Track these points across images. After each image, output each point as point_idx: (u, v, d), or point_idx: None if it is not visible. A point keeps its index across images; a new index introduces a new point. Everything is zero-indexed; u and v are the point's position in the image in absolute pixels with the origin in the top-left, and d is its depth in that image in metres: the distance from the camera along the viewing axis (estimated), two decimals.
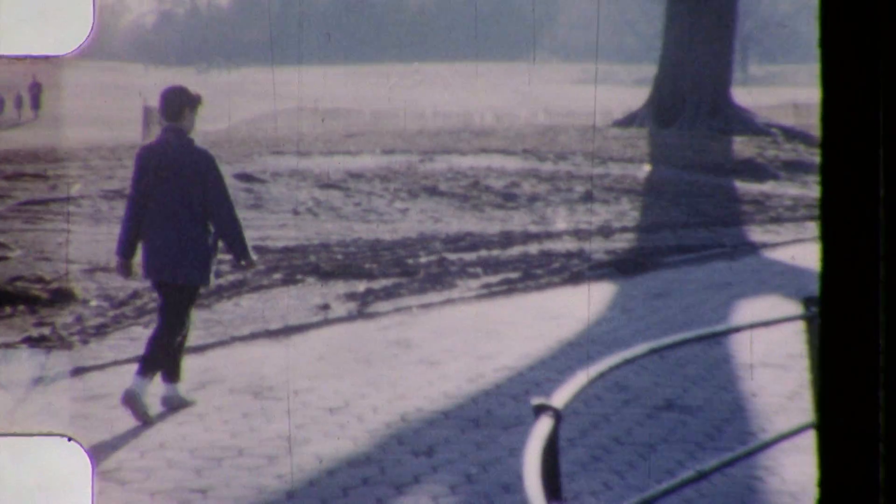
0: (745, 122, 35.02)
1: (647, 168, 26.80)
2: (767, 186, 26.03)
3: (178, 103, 9.45)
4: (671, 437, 8.80)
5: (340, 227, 18.60)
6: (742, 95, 39.14)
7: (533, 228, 19.33)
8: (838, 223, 3.19)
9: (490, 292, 14.25)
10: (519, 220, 20.21)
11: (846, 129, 3.18)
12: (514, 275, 15.21)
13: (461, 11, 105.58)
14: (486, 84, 78.11)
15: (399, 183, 22.57)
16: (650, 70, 38.93)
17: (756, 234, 19.81)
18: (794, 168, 28.78)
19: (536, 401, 4.79)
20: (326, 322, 12.60)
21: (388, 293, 13.98)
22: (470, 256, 16.41)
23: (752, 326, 9.10)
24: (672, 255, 17.12)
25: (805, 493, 7.59)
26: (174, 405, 9.50)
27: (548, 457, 4.47)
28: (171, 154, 9.39)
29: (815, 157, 30.67)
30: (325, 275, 14.88)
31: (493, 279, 14.93)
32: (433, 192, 22.15)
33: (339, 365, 10.90)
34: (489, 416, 9.37)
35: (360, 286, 14.34)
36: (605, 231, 19.23)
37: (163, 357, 9.38)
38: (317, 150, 27.24)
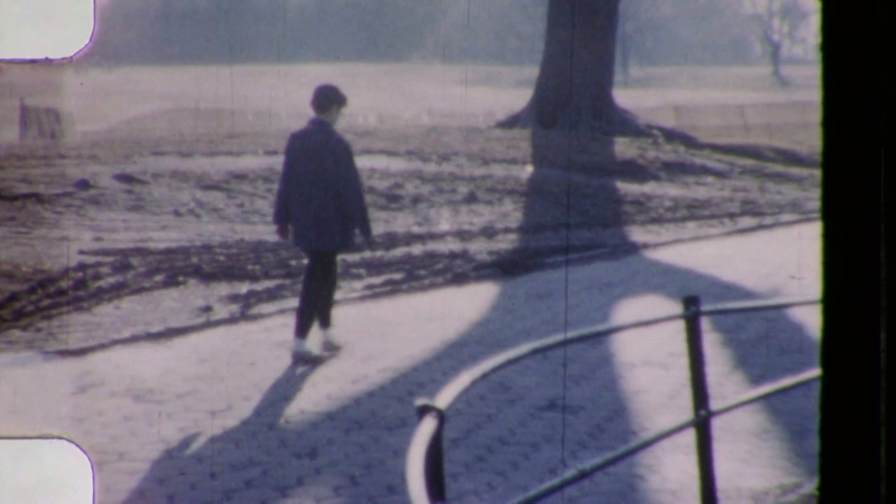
0: (626, 124, 35.34)
1: (529, 169, 26.94)
2: (648, 187, 26.30)
3: (329, 100, 11.31)
4: (554, 437, 8.86)
5: (223, 229, 18.46)
6: (623, 97, 39.50)
7: (416, 229, 19.34)
8: (839, 224, 3.19)
9: (374, 293, 14.24)
10: (402, 221, 20.20)
11: (846, 130, 3.19)
12: (397, 276, 15.21)
13: (342, 12, 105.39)
14: (368, 85, 78.03)
15: None
16: (532, 71, 39.14)
17: (637, 234, 20.01)
18: (675, 169, 29.11)
19: (420, 401, 4.79)
20: (209, 324, 12.50)
21: (272, 295, 13.90)
22: (353, 257, 16.38)
23: (633, 326, 9.18)
24: (555, 256, 17.22)
25: (685, 490, 7.67)
26: (330, 348, 11.25)
27: (431, 457, 4.48)
28: (314, 141, 11.11)
29: (695, 158, 31.04)
30: (207, 276, 14.76)
31: (376, 280, 14.92)
32: None
33: (221, 367, 10.82)
34: (373, 417, 9.35)
35: (243, 288, 14.25)
36: (489, 232, 19.29)
37: (312, 314, 11.10)
38: (198, 150, 27.00)
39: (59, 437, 5.16)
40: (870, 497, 3.27)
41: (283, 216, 11.28)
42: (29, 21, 4.37)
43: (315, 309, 11.19)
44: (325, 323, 11.35)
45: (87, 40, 4.42)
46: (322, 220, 11.02)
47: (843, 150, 3.17)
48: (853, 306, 3.20)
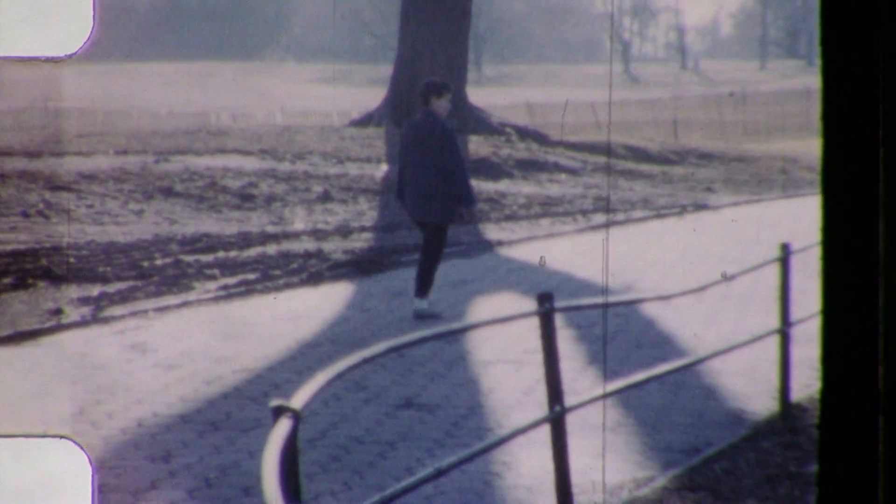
0: (479, 122, 35.50)
1: (384, 167, 26.94)
2: (502, 185, 26.45)
3: (429, 92, 12.94)
4: (410, 435, 8.86)
5: (73, 230, 18.17)
6: (476, 95, 39.69)
7: (271, 229, 19.23)
8: (839, 223, 3.17)
9: (228, 294, 14.12)
10: (257, 221, 20.07)
11: (846, 129, 3.16)
12: (252, 276, 15.11)
13: (194, 10, 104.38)
14: (221, 84, 77.42)
15: (133, 184, 22.17)
16: (387, 70, 39.15)
17: (492, 232, 20.12)
18: (528, 166, 29.34)
19: (275, 402, 4.76)
20: (60, 327, 12.29)
21: (124, 297, 13.72)
22: (207, 258, 16.23)
23: (488, 323, 9.22)
24: (410, 254, 17.24)
25: (541, 485, 7.73)
26: (424, 316, 12.85)
27: (287, 458, 4.45)
28: (422, 128, 12.88)
29: (548, 155, 31.32)
30: (57, 279, 14.51)
31: (230, 280, 14.80)
32: (169, 193, 21.83)
33: (72, 371, 10.64)
34: (228, 418, 9.28)
35: (94, 290, 14.04)
36: (344, 231, 19.25)
37: (431, 277, 12.93)
38: (47, 150, 26.55)
39: (60, 437, 5.11)
40: (868, 496, 3.27)
41: (401, 194, 13.18)
42: (28, 20, 4.31)
43: (433, 272, 12.94)
44: (422, 293, 12.94)
45: (86, 39, 4.37)
46: (429, 196, 12.74)
47: (843, 149, 3.17)
48: (852, 306, 3.20)
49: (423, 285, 12.93)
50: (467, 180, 12.93)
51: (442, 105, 12.89)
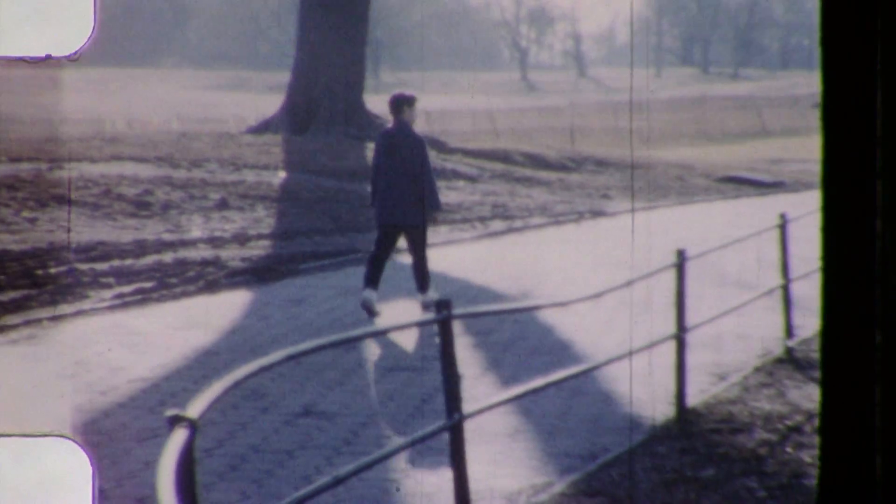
0: (377, 129, 35.41)
1: (282, 174, 26.84)
2: None
3: (398, 104, 13.61)
4: (309, 444, 8.83)
5: None
6: (374, 102, 39.66)
7: (167, 237, 19.06)
8: (838, 224, 3.17)
9: (124, 302, 13.98)
10: (153, 229, 19.89)
11: (845, 129, 3.16)
12: (148, 284, 14.97)
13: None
14: (115, 90, 76.70)
15: (27, 192, 21.87)
16: (284, 77, 39.00)
17: None
18: None
19: (171, 412, 4.72)
20: None
21: (17, 305, 13.53)
22: (102, 266, 16.05)
23: (387, 330, 9.22)
24: (308, 262, 17.18)
25: (440, 492, 7.73)
26: (427, 307, 13.45)
27: (184, 468, 4.41)
28: (396, 137, 13.54)
29: (446, 162, 31.36)
30: None
31: (126, 289, 14.65)
32: (63, 200, 21.56)
33: None
34: (123, 429, 9.18)
35: None
36: (241, 238, 19.14)
37: (426, 271, 13.65)
38: None
39: (60, 436, 5.03)
40: (868, 496, 3.28)
41: (375, 200, 13.78)
42: (29, 20, 4.25)
43: (426, 267, 13.65)
44: (425, 287, 13.68)
45: (86, 39, 4.31)
46: (404, 201, 13.37)
47: (842, 149, 3.17)
48: (851, 306, 3.20)
49: (423, 281, 13.63)
50: (436, 186, 13.59)
51: (413, 115, 13.64)
